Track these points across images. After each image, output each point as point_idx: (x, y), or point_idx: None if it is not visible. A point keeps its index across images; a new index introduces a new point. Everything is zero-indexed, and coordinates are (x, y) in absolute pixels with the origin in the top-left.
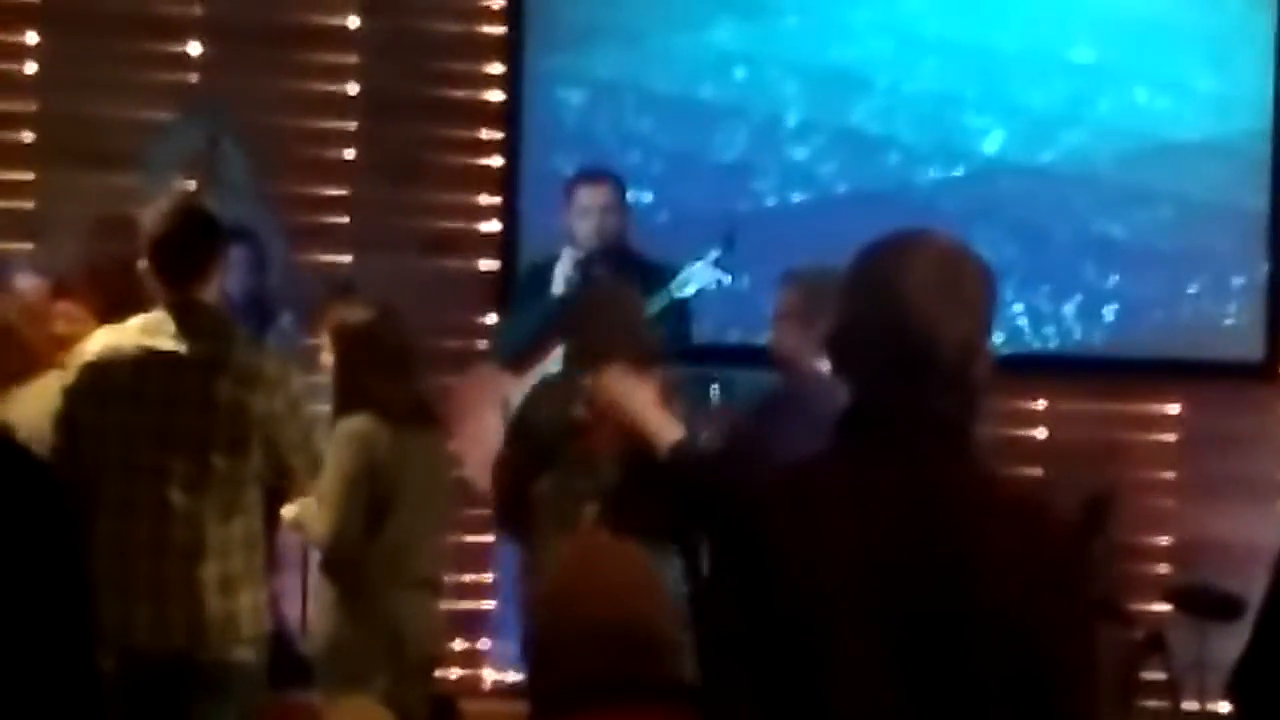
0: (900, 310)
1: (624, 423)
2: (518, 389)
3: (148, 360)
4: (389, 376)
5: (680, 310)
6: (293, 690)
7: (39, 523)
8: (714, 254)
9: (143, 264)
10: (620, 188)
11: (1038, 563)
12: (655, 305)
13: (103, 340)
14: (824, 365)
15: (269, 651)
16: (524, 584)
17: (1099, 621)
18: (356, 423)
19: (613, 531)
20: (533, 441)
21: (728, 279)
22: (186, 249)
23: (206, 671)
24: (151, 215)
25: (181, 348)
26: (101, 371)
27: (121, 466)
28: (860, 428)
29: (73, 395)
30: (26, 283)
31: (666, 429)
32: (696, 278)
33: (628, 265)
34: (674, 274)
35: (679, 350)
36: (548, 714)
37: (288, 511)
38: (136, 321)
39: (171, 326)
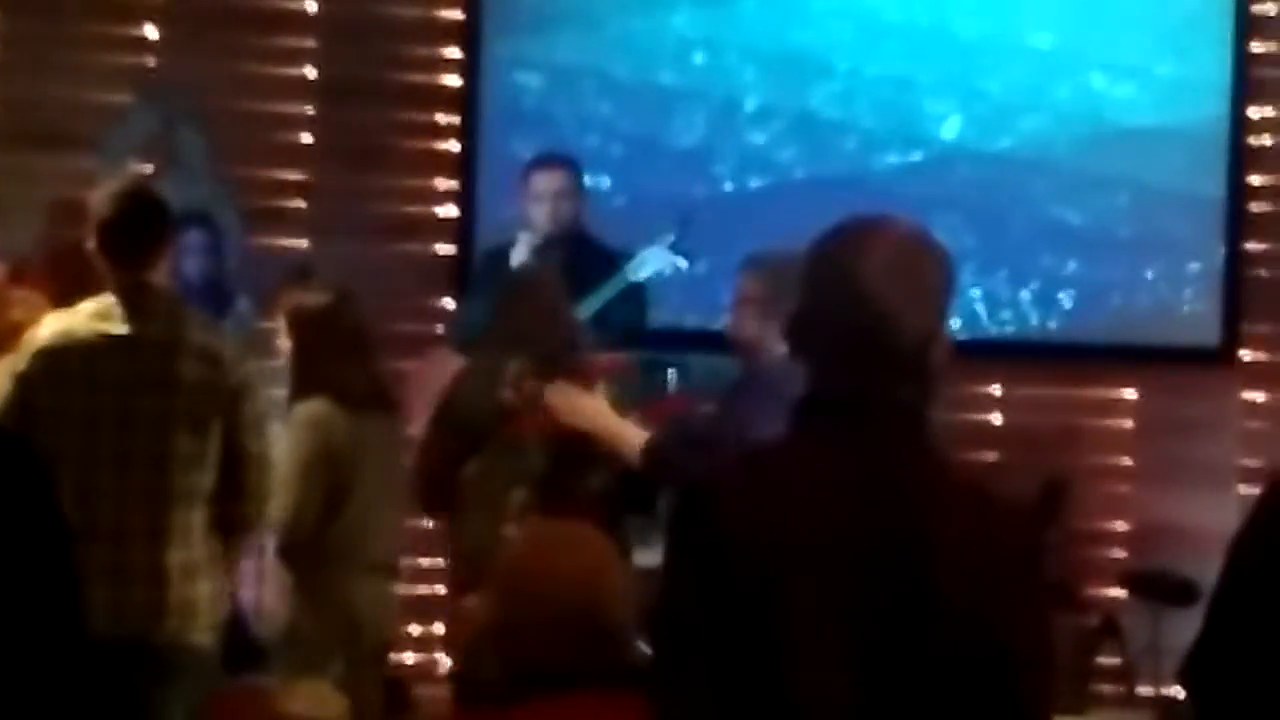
0: (859, 297)
1: (586, 435)
2: None
3: (103, 345)
4: (346, 360)
5: (636, 295)
6: (247, 675)
7: (27, 500)
8: (669, 238)
9: (91, 247)
10: (576, 173)
11: (993, 549)
12: (610, 289)
13: (54, 325)
14: (785, 350)
15: (224, 636)
16: (451, 567)
17: (1054, 607)
18: (313, 407)
19: (541, 517)
20: (460, 425)
21: (684, 263)
22: (136, 232)
23: (162, 655)
24: (100, 198)
25: (134, 329)
26: (56, 357)
27: (80, 453)
28: (818, 414)
29: (26, 382)
30: None
31: (629, 434)
32: (651, 262)
33: (583, 250)
34: (629, 258)
35: (635, 335)
36: (505, 699)
37: None
38: (89, 306)
39: (123, 310)
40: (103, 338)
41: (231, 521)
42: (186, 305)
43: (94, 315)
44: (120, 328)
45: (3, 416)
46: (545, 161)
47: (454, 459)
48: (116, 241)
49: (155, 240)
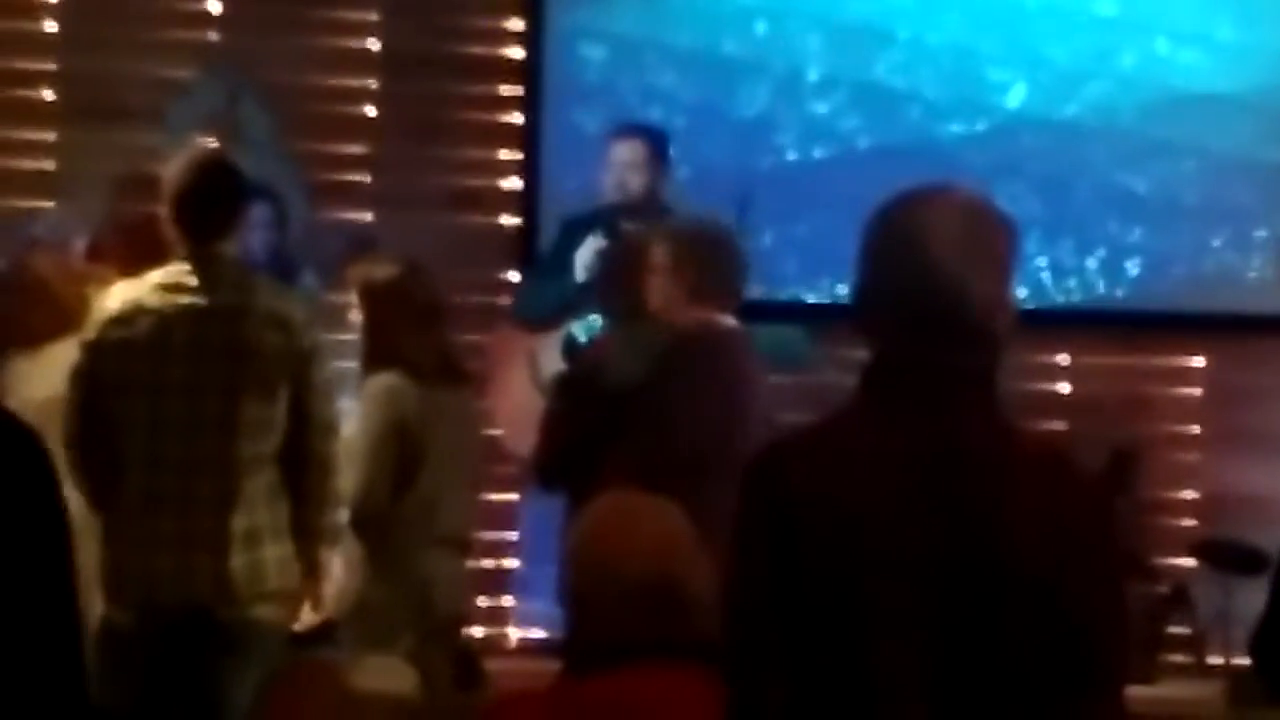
0: (926, 266)
1: None
2: (546, 345)
3: (170, 313)
4: (417, 333)
5: None
6: (316, 649)
7: (22, 489)
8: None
9: (164, 217)
10: (651, 145)
11: (1064, 517)
12: None
13: (121, 295)
14: (695, 315)
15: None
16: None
17: (1125, 576)
18: (385, 379)
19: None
20: (603, 396)
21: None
22: (209, 202)
23: (230, 629)
24: (173, 169)
25: (204, 298)
26: (123, 326)
27: (148, 421)
28: (886, 382)
29: (94, 350)
30: (63, 241)
31: None
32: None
33: (654, 222)
34: None
35: None
36: (583, 670)
37: None
38: (155, 275)
39: (193, 278)
40: (171, 306)
41: (299, 489)
42: (256, 273)
43: (161, 285)
44: (189, 295)
45: (72, 385)
46: (619, 131)
47: (592, 433)
48: (189, 212)
49: (230, 211)
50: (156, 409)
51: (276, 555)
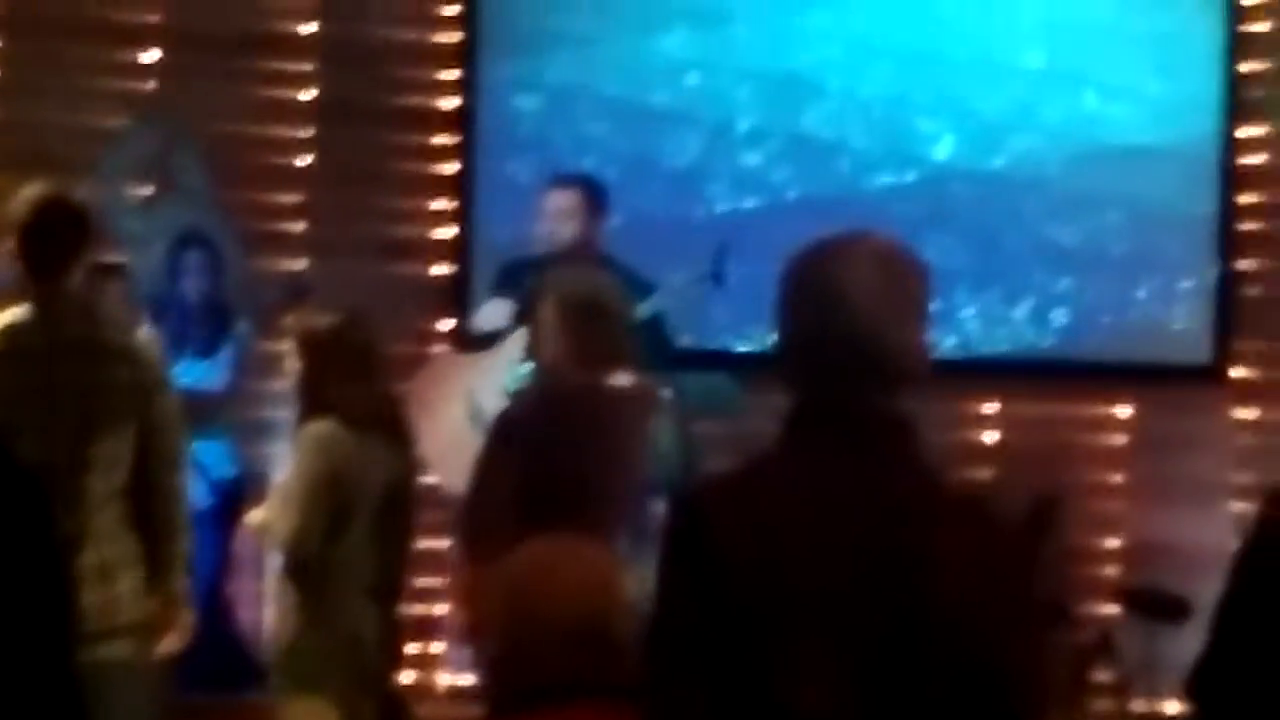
0: (844, 315)
1: None
2: (481, 380)
3: (16, 353)
4: (353, 381)
5: (657, 323)
6: (247, 693)
7: (13, 518)
8: (705, 271)
9: (10, 254)
10: (587, 194)
11: (985, 563)
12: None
13: None
14: (582, 374)
15: (224, 654)
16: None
17: (1047, 622)
18: (320, 427)
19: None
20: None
21: (717, 288)
22: (49, 239)
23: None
24: (16, 206)
25: (50, 336)
26: None
27: None
28: (809, 426)
29: None
30: None
31: None
32: (679, 292)
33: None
34: (649, 287)
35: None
36: (508, 712)
37: (251, 517)
38: (3, 317)
39: (39, 317)
40: (15, 347)
41: (150, 522)
42: (99, 307)
43: (6, 326)
44: (36, 335)
45: None
46: (555, 181)
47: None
48: (33, 248)
49: (71, 247)
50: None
51: (130, 587)
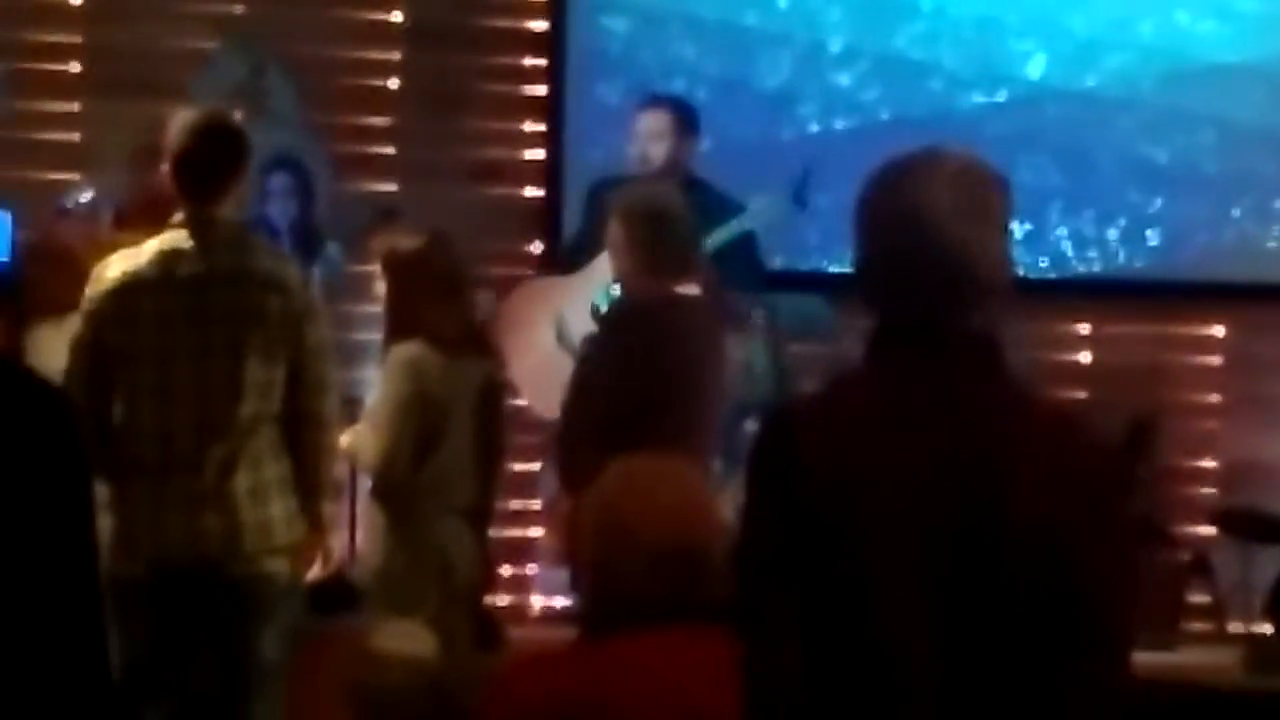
0: (924, 233)
1: None
2: (570, 303)
3: (170, 280)
4: (440, 303)
5: (748, 242)
6: (341, 617)
7: (47, 446)
8: (790, 191)
9: (166, 178)
10: (677, 115)
11: (1072, 478)
12: (724, 235)
13: (120, 265)
14: (655, 285)
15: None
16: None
17: (1141, 542)
18: (408, 349)
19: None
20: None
21: (800, 210)
22: (206, 165)
23: (241, 585)
24: (174, 131)
25: (203, 264)
26: (124, 296)
27: (156, 388)
28: (892, 345)
29: (97, 320)
30: (91, 212)
31: None
32: (765, 210)
33: (692, 194)
34: (738, 207)
35: (752, 283)
36: (601, 633)
37: (341, 439)
38: (153, 243)
39: (190, 243)
40: (170, 273)
41: (299, 447)
42: (252, 234)
43: (160, 252)
44: (188, 261)
45: (76, 353)
46: (646, 102)
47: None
48: (189, 174)
49: (227, 174)
50: (163, 376)
51: (283, 511)
